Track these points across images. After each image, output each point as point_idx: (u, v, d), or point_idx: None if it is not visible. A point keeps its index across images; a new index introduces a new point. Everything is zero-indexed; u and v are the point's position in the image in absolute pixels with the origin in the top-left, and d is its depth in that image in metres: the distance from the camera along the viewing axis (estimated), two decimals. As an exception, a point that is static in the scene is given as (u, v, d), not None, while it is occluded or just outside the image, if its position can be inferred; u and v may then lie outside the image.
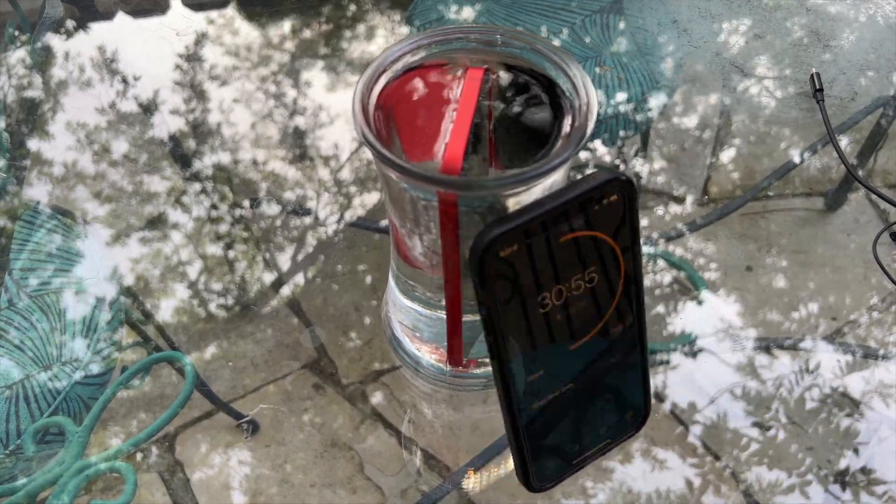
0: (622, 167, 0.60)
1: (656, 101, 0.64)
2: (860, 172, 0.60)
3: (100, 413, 0.47)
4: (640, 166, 0.60)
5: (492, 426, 0.46)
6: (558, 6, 0.72)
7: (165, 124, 0.63)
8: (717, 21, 0.71)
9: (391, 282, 0.43)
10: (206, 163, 0.60)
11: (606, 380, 0.35)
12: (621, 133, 0.62)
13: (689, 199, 0.58)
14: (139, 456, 0.45)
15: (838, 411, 0.47)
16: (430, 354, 0.43)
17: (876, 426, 0.46)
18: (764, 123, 0.63)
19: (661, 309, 0.51)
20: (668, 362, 0.49)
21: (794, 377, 0.48)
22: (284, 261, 0.54)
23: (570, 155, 0.31)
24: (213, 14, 0.73)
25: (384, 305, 0.47)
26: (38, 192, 0.58)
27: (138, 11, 0.74)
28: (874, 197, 0.57)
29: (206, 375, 0.48)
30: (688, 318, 0.51)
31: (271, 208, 0.57)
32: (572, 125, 0.33)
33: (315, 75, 0.67)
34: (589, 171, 0.58)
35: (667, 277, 0.53)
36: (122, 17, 0.73)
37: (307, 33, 0.72)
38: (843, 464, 0.45)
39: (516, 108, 0.34)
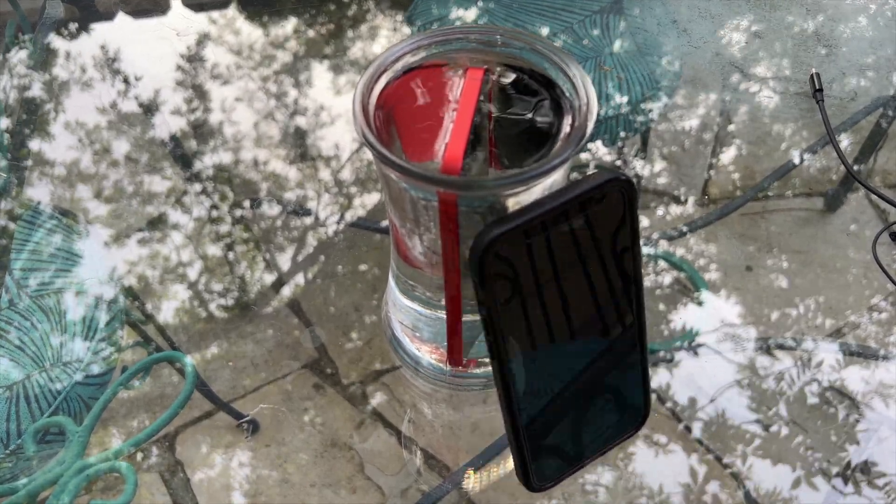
0: (622, 167, 0.61)
1: (656, 102, 0.64)
2: (860, 172, 0.60)
3: (100, 413, 0.47)
4: (640, 167, 0.60)
5: (492, 426, 0.46)
6: (558, 6, 0.72)
7: (166, 124, 0.63)
8: (717, 21, 0.71)
9: (391, 282, 0.43)
10: (206, 163, 0.60)
11: (606, 380, 0.35)
12: (621, 133, 0.62)
13: (690, 200, 0.58)
14: (139, 456, 0.45)
15: (838, 411, 0.47)
16: (430, 354, 0.43)
17: (876, 426, 0.46)
18: (764, 123, 0.63)
19: (661, 309, 0.51)
20: (668, 362, 0.49)
21: (794, 377, 0.48)
22: (285, 261, 0.55)
23: (570, 155, 0.31)
24: (214, 14, 0.73)
25: (384, 305, 0.47)
26: (38, 192, 0.58)
27: (139, 11, 0.74)
28: (874, 197, 0.57)
29: (207, 375, 0.48)
30: (688, 318, 0.51)
31: (272, 208, 0.57)
32: (572, 125, 0.33)
33: (315, 75, 0.67)
34: (589, 172, 0.58)
35: (667, 278, 0.53)
36: (122, 18, 0.73)
37: (308, 33, 0.72)
38: (843, 464, 0.45)
39: (516, 109, 0.34)
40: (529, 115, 0.34)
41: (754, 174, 0.60)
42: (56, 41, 0.70)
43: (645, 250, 0.54)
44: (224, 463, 0.45)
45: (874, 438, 0.46)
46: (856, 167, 0.60)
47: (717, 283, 0.53)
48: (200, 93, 0.65)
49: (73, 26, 0.72)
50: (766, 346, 0.50)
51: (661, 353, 0.49)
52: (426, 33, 0.36)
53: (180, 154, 0.61)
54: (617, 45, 0.68)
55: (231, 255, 0.55)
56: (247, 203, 0.58)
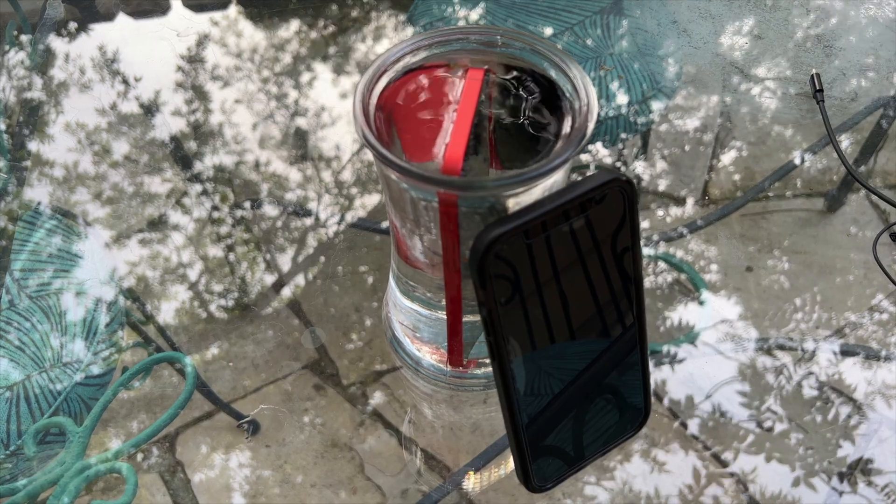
0: (622, 168, 0.61)
1: (657, 102, 0.64)
2: (860, 173, 0.60)
3: (100, 414, 0.47)
4: (640, 167, 0.60)
5: (492, 426, 0.46)
6: (559, 7, 0.72)
7: (166, 125, 0.63)
8: (717, 22, 0.71)
9: (391, 282, 0.43)
10: (206, 164, 0.60)
11: (606, 380, 0.35)
12: (622, 134, 0.62)
13: (690, 200, 0.58)
14: (140, 456, 0.45)
15: (838, 411, 0.47)
16: (430, 355, 0.43)
17: (876, 426, 0.46)
18: (764, 124, 0.63)
19: (661, 309, 0.51)
20: (668, 363, 0.49)
21: (794, 377, 0.48)
22: (285, 262, 0.55)
23: (571, 156, 0.31)
24: (214, 15, 0.73)
25: (384, 306, 0.47)
26: (38, 193, 0.58)
27: (139, 12, 0.74)
28: (874, 197, 0.57)
29: (207, 376, 0.48)
30: (688, 318, 0.51)
31: (272, 209, 0.57)
32: (572, 126, 0.33)
33: (316, 76, 0.68)
34: (589, 172, 0.58)
35: (667, 278, 0.53)
36: (122, 18, 0.73)
37: (308, 34, 0.72)
38: (842, 464, 0.45)
39: (516, 109, 0.34)
40: (530, 116, 0.34)
41: (754, 175, 0.60)
42: (56, 42, 0.70)
43: (645, 251, 0.54)
44: (224, 463, 0.45)
45: (874, 438, 0.46)
46: (856, 168, 0.60)
47: (717, 284, 0.53)
48: (201, 94, 0.65)
49: (73, 27, 0.72)
50: (766, 347, 0.50)
51: (662, 354, 0.49)
52: (426, 34, 0.36)
53: (181, 155, 0.61)
54: (617, 46, 0.68)
55: (231, 256, 0.55)
56: (247, 204, 0.58)
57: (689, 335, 0.50)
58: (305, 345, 0.50)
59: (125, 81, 0.66)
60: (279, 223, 0.57)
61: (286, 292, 0.53)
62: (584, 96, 0.33)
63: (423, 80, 0.35)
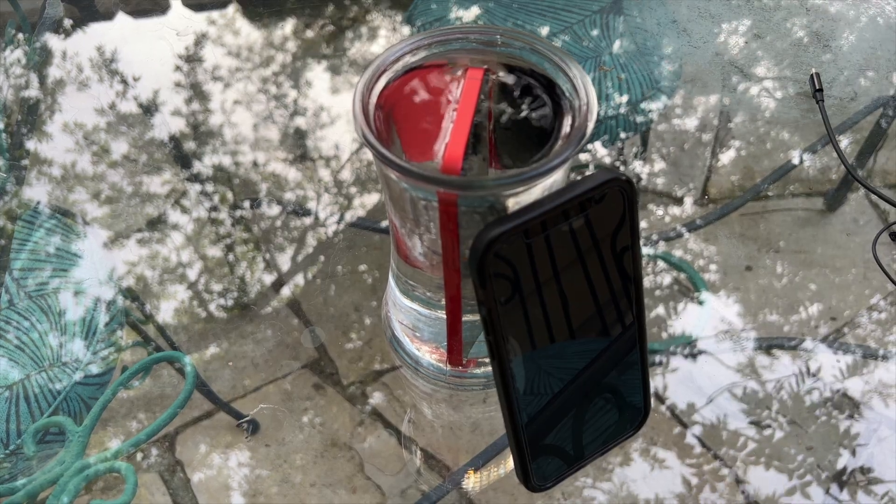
0: (622, 168, 0.61)
1: (656, 102, 0.64)
2: (860, 172, 0.60)
3: (100, 413, 0.47)
4: (639, 167, 0.60)
5: (492, 426, 0.46)
6: (558, 6, 0.72)
7: (166, 125, 0.63)
8: (717, 21, 0.71)
9: (391, 282, 0.43)
10: (206, 163, 0.60)
11: (606, 380, 0.35)
12: (621, 134, 0.62)
13: (689, 200, 0.58)
14: (139, 456, 0.45)
15: (838, 411, 0.47)
16: (430, 354, 0.43)
17: (875, 426, 0.46)
18: (764, 124, 0.63)
19: (661, 309, 0.51)
20: (667, 362, 0.49)
21: (793, 377, 0.48)
22: (285, 261, 0.55)
23: (570, 155, 0.31)
24: (214, 14, 0.73)
25: (384, 305, 0.47)
26: (37, 192, 0.58)
27: (138, 12, 0.74)
28: (874, 197, 0.57)
29: (207, 375, 0.48)
30: (688, 318, 0.51)
31: (272, 209, 0.57)
32: (572, 125, 0.33)
33: (315, 76, 0.67)
34: (589, 172, 0.58)
35: (667, 278, 0.53)
36: (122, 18, 0.73)
37: (308, 34, 0.72)
38: (842, 463, 0.45)
39: (516, 109, 0.34)
40: (529, 116, 0.34)
41: (754, 174, 0.60)
42: (55, 41, 0.70)
43: (645, 250, 0.54)
44: (224, 463, 0.45)
45: (874, 438, 0.46)
46: (856, 167, 0.60)
47: (716, 284, 0.53)
48: (200, 93, 0.65)
49: (72, 26, 0.72)
50: (765, 346, 0.50)
51: (661, 353, 0.49)
52: (426, 33, 0.36)
53: (180, 154, 0.61)
54: (617, 45, 0.68)
55: (231, 256, 0.55)
56: (247, 203, 0.58)
57: (688, 335, 0.50)
58: (305, 344, 0.50)
59: (124, 81, 0.66)
60: (278, 223, 0.57)
61: (286, 292, 0.53)
62: (583, 96, 0.33)
63: (423, 79, 0.35)
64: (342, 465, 0.45)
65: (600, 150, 0.61)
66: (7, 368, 0.49)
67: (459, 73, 0.35)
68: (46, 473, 0.44)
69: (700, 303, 0.52)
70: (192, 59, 0.68)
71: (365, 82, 0.34)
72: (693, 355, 0.49)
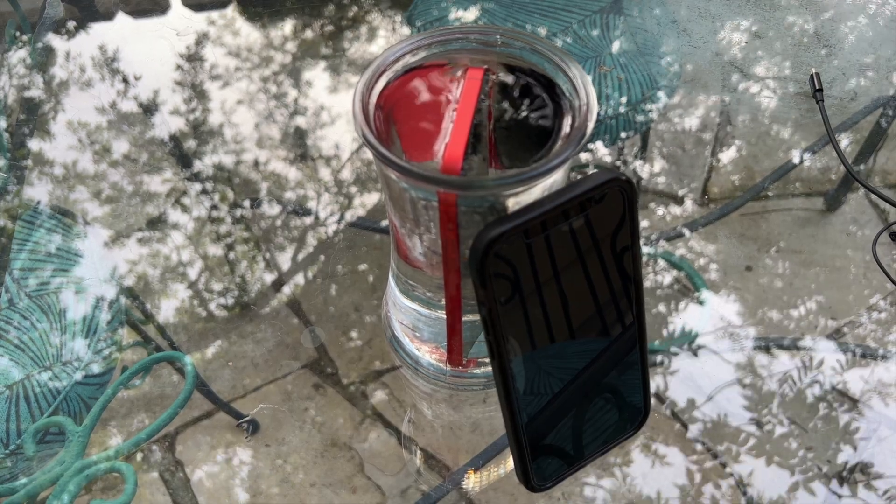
0: (622, 167, 0.61)
1: (656, 102, 0.64)
2: (860, 172, 0.60)
3: (100, 413, 0.47)
4: (640, 167, 0.60)
5: (492, 426, 0.46)
6: (558, 6, 0.72)
7: (166, 124, 0.63)
8: (717, 21, 0.71)
9: (391, 282, 0.43)
10: (206, 163, 0.60)
11: (606, 380, 0.35)
12: (621, 133, 0.62)
13: (689, 200, 0.58)
14: (139, 456, 0.45)
15: (838, 411, 0.47)
16: (429, 354, 0.43)
17: (875, 426, 0.46)
18: (764, 123, 0.63)
19: (661, 309, 0.51)
20: (667, 362, 0.49)
21: (793, 377, 0.48)
22: (285, 261, 0.55)
23: (570, 155, 0.31)
24: (214, 14, 0.73)
25: (384, 305, 0.47)
26: (38, 192, 0.58)
27: (138, 12, 0.74)
28: (874, 197, 0.57)
29: (207, 375, 0.48)
30: (688, 318, 0.51)
31: (272, 208, 0.57)
32: (572, 125, 0.33)
33: (315, 76, 0.67)
34: (590, 172, 0.58)
35: (667, 277, 0.53)
36: (122, 18, 0.73)
37: (308, 34, 0.72)
38: (842, 463, 0.45)
39: (516, 109, 0.34)
40: (529, 116, 0.34)
41: (754, 174, 0.60)
42: (56, 41, 0.70)
43: (645, 250, 0.54)
44: (224, 463, 0.45)
45: (874, 438, 0.46)
46: (856, 167, 0.60)
47: (716, 283, 0.53)
48: (200, 93, 0.65)
49: (72, 26, 0.72)
50: (765, 346, 0.50)
51: (661, 353, 0.49)
52: (426, 33, 0.36)
53: (180, 154, 0.61)
54: (617, 46, 0.68)
55: (231, 255, 0.55)
56: (247, 203, 0.58)
57: (688, 334, 0.50)
58: (305, 344, 0.50)
59: (125, 80, 0.66)
60: (279, 222, 0.57)
61: (286, 291, 0.53)
62: (583, 96, 0.33)
63: (423, 79, 0.35)
64: (342, 465, 0.45)
65: (601, 150, 0.61)
66: (7, 368, 0.49)
67: (459, 73, 0.35)
68: (46, 473, 0.44)
69: (700, 302, 0.52)
70: (193, 58, 0.68)
71: (365, 82, 0.34)
72: (693, 354, 0.49)
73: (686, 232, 0.56)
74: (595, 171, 0.33)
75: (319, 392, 0.48)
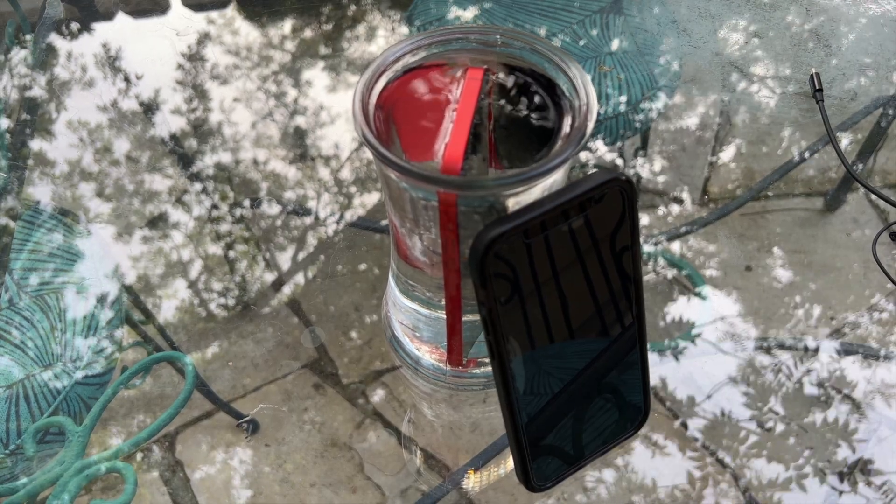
0: (622, 167, 0.61)
1: (656, 101, 0.64)
2: (860, 172, 0.60)
3: (100, 413, 0.47)
4: (640, 166, 0.60)
5: (492, 426, 0.46)
6: (558, 6, 0.72)
7: (166, 124, 0.63)
8: (717, 21, 0.71)
9: (391, 282, 0.43)
10: (206, 162, 0.60)
11: (606, 379, 0.35)
12: (621, 133, 0.62)
13: (689, 199, 0.58)
14: (139, 456, 0.45)
15: (838, 411, 0.47)
16: (429, 354, 0.43)
17: (875, 426, 0.46)
18: (764, 123, 0.63)
19: (661, 308, 0.51)
20: (667, 362, 0.49)
21: (793, 377, 0.48)
22: (285, 260, 0.55)
23: (570, 155, 0.31)
24: (214, 14, 0.73)
25: (384, 305, 0.47)
26: (39, 191, 0.58)
27: (138, 12, 0.74)
28: (874, 197, 0.57)
29: (207, 375, 0.48)
30: (687, 317, 0.51)
31: (272, 208, 0.57)
32: (572, 125, 0.33)
33: (315, 75, 0.67)
34: (590, 172, 0.58)
35: (667, 277, 0.53)
36: (122, 18, 0.73)
37: (307, 33, 0.72)
38: (842, 463, 0.45)
39: (516, 109, 0.34)
40: (529, 116, 0.34)
41: (754, 174, 0.60)
42: (56, 41, 0.70)
43: (645, 250, 0.54)
44: (224, 463, 0.45)
45: (874, 438, 0.46)
46: (856, 167, 0.60)
47: (716, 283, 0.53)
48: (200, 92, 0.65)
49: (73, 26, 0.72)
50: (765, 346, 0.50)
51: (661, 353, 0.49)
52: (426, 33, 0.36)
53: (180, 153, 0.61)
54: (616, 45, 0.68)
55: (231, 255, 0.55)
56: (247, 202, 0.58)
57: (688, 334, 0.50)
58: (305, 344, 0.50)
59: (126, 79, 0.66)
60: (279, 222, 0.57)
61: (286, 291, 0.53)
62: (583, 96, 0.33)
63: (423, 79, 0.35)
64: (342, 465, 0.45)
65: (600, 149, 0.61)
66: (8, 368, 0.49)
67: (459, 73, 0.35)
68: (46, 473, 0.44)
69: (700, 302, 0.52)
70: (193, 58, 0.68)
71: (365, 82, 0.34)
72: (693, 354, 0.49)
73: (686, 231, 0.56)
74: (595, 171, 0.33)
75: (319, 392, 0.48)
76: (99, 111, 0.64)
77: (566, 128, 0.33)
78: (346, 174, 0.60)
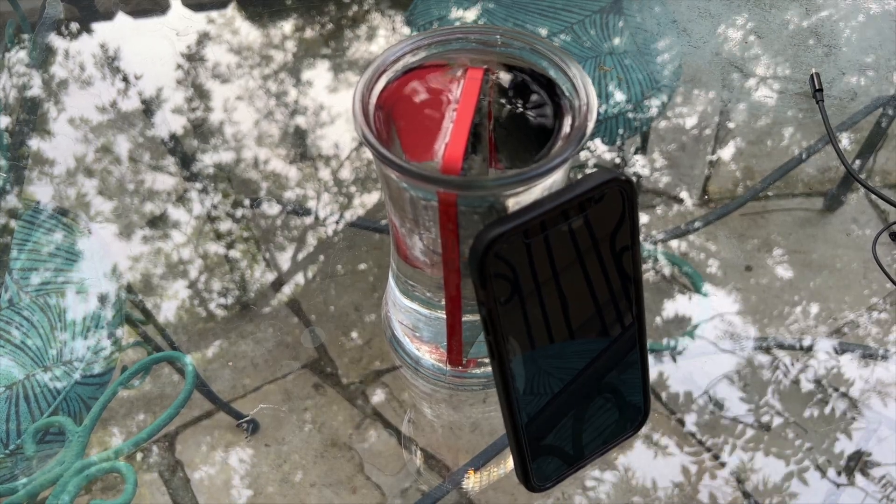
0: (622, 167, 0.61)
1: (656, 101, 0.64)
2: (860, 172, 0.60)
3: (100, 413, 0.47)
4: (639, 166, 0.60)
5: (491, 425, 0.46)
6: (558, 6, 0.72)
7: (166, 124, 0.63)
8: (717, 21, 0.71)
9: (391, 281, 0.43)
10: (206, 162, 0.60)
11: (606, 380, 0.35)
12: (621, 133, 0.62)
13: (689, 199, 0.58)
14: (139, 456, 0.45)
15: (837, 411, 0.47)
16: (429, 354, 0.43)
17: (875, 425, 0.46)
18: (763, 123, 0.63)
19: (660, 308, 0.51)
20: (667, 362, 0.49)
21: (793, 376, 0.48)
22: (284, 260, 0.55)
23: (570, 155, 0.31)
24: (214, 14, 0.73)
25: (384, 305, 0.47)
26: (38, 191, 0.58)
27: (138, 11, 0.74)
28: (874, 197, 0.57)
29: (207, 375, 0.48)
30: (687, 317, 0.51)
31: (272, 208, 0.57)
32: (572, 125, 0.33)
33: (315, 75, 0.67)
34: (588, 171, 0.58)
35: (666, 277, 0.53)
36: (122, 17, 0.73)
37: (307, 33, 0.72)
38: (842, 463, 0.45)
39: (516, 109, 0.34)
40: (529, 115, 0.34)
41: (754, 174, 0.60)
42: (56, 41, 0.70)
43: (645, 249, 0.54)
44: (224, 463, 0.45)
45: (873, 438, 0.46)
46: (856, 167, 0.60)
47: (716, 283, 0.53)
48: (200, 92, 0.65)
49: (72, 26, 0.72)
50: (765, 345, 0.50)
51: (661, 352, 0.49)
52: (426, 33, 0.36)
53: (180, 153, 0.61)
54: (617, 45, 0.68)
55: (231, 255, 0.55)
56: (247, 202, 0.58)
57: (687, 333, 0.50)
58: (305, 344, 0.50)
59: (125, 79, 0.66)
60: (279, 222, 0.57)
61: (286, 291, 0.53)
62: (583, 95, 0.33)
63: (423, 79, 0.35)
64: (342, 465, 0.45)
65: (600, 148, 0.61)
66: (7, 368, 0.49)
67: (459, 73, 0.35)
68: (46, 473, 0.44)
69: (700, 301, 0.52)
70: (193, 58, 0.68)
71: (365, 82, 0.34)
72: (692, 354, 0.49)
73: (686, 231, 0.56)
74: (595, 170, 0.33)
75: (319, 392, 0.48)
76: (99, 111, 0.64)
77: (566, 128, 0.33)
78: (346, 174, 0.60)
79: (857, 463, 0.45)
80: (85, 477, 0.44)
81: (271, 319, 0.51)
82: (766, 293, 0.52)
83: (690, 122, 0.63)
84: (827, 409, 0.47)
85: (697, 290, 0.52)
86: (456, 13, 0.71)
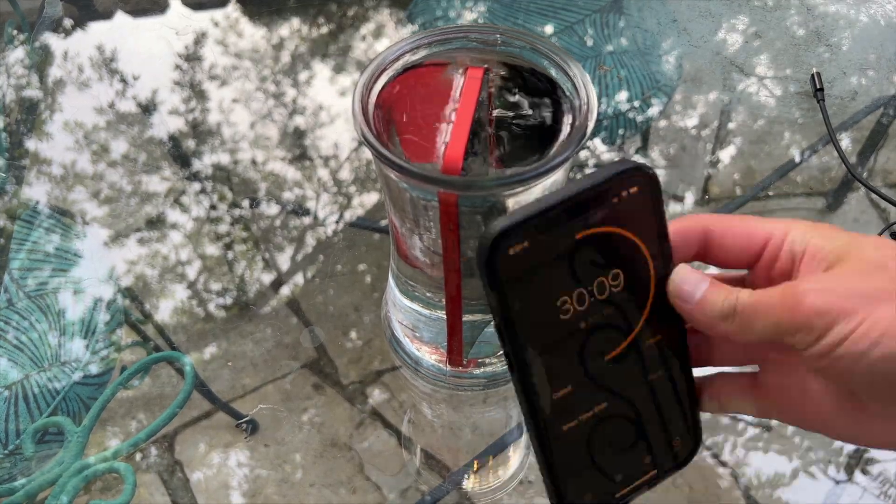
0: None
1: (656, 101, 0.64)
2: (860, 172, 0.60)
3: (99, 413, 0.47)
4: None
5: (491, 426, 0.46)
6: (559, 6, 0.71)
7: (164, 124, 0.62)
8: (717, 20, 0.71)
9: (391, 282, 0.43)
10: (205, 163, 0.60)
11: (645, 400, 0.29)
12: (621, 132, 0.62)
13: (690, 199, 0.58)
14: (138, 456, 0.45)
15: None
16: (429, 354, 0.43)
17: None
18: (764, 123, 0.63)
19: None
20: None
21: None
22: (284, 261, 0.54)
23: (570, 154, 0.31)
24: (213, 14, 0.73)
25: (384, 305, 0.47)
26: (37, 191, 0.58)
27: (137, 11, 0.74)
28: (874, 197, 0.57)
29: (206, 375, 0.48)
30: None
31: (271, 208, 0.57)
32: (572, 125, 0.33)
33: (315, 75, 0.67)
34: (588, 171, 0.58)
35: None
36: (121, 17, 0.73)
37: (307, 33, 0.72)
38: (842, 464, 0.45)
39: (516, 108, 0.34)
40: (529, 115, 0.34)
41: (755, 173, 0.60)
42: (55, 41, 0.70)
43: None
44: (223, 463, 0.45)
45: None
46: (856, 167, 0.60)
47: (717, 283, 0.53)
48: (199, 92, 0.65)
49: (71, 25, 0.71)
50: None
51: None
52: (426, 32, 0.36)
53: (179, 154, 0.61)
54: (617, 45, 0.68)
55: (230, 255, 0.55)
56: (246, 202, 0.58)
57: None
58: (304, 344, 0.50)
59: (123, 80, 0.66)
60: (278, 222, 0.57)
61: (285, 291, 0.53)
62: (583, 95, 0.33)
63: (423, 78, 0.35)
64: (342, 465, 0.45)
65: (601, 149, 0.61)
66: (6, 368, 0.48)
67: (459, 72, 0.35)
68: (45, 474, 0.44)
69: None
70: (192, 58, 0.68)
71: (365, 81, 0.34)
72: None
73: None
74: (615, 160, 0.30)
75: (319, 392, 0.48)
76: (97, 111, 0.64)
77: (566, 127, 0.33)
78: (345, 174, 0.60)
79: (858, 462, 0.45)
80: (84, 477, 0.44)
81: (271, 319, 0.51)
82: (767, 293, 0.52)
83: (691, 121, 0.63)
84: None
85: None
86: (456, 12, 0.71)
